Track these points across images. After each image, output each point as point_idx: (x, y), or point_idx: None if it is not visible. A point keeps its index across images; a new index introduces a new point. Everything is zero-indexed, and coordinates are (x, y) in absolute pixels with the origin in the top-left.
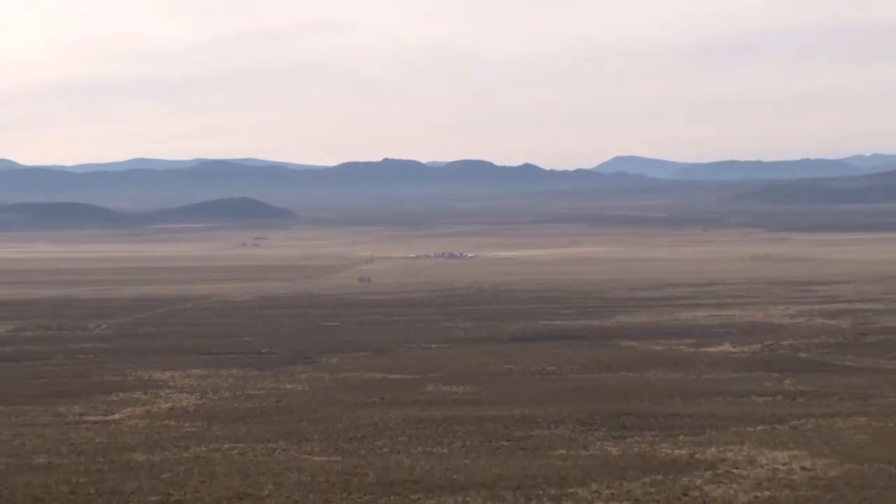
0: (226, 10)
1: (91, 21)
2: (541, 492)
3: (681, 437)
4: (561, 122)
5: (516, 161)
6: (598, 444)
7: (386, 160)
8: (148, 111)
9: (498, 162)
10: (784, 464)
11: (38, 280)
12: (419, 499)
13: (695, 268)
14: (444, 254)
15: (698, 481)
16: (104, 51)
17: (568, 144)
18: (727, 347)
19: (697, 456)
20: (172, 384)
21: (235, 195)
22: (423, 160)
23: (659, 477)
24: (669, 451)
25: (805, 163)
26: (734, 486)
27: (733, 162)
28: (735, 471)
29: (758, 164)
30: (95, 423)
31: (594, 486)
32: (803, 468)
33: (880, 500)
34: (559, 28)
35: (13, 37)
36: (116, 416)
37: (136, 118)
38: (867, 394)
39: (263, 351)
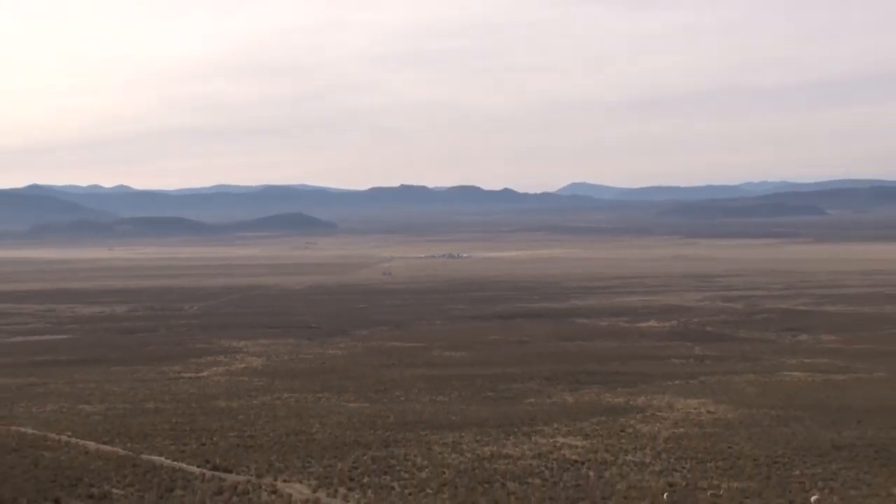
0: (284, 76)
1: (186, 84)
2: (516, 429)
3: (619, 389)
4: (531, 157)
5: (498, 186)
6: (559, 394)
7: (402, 185)
8: (227, 149)
9: (485, 187)
10: (694, 409)
11: (147, 274)
12: (427, 434)
13: (629, 265)
14: (445, 255)
15: (632, 421)
16: (197, 105)
17: (536, 173)
18: (653, 323)
19: (631, 402)
20: (246, 350)
21: (291, 211)
22: (430, 185)
23: (603, 418)
24: (611, 399)
25: (710, 187)
26: (658, 424)
27: (658, 187)
28: (659, 413)
29: (675, 189)
30: (189, 378)
31: (556, 425)
32: (708, 412)
33: (765, 435)
34: (530, 87)
35: (131, 95)
36: (205, 374)
37: (218, 155)
38: (755, 357)
39: (312, 326)
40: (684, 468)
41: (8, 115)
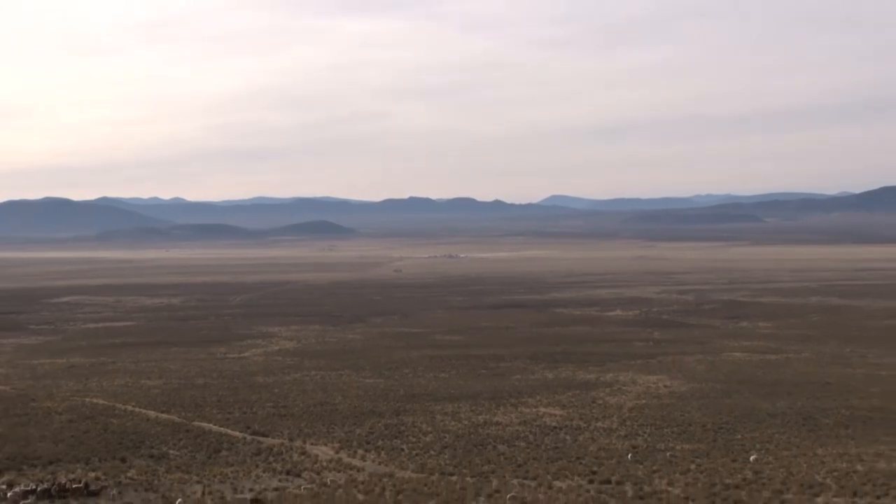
0: (311, 106)
1: (231, 113)
2: (505, 401)
3: (591, 367)
4: (517, 173)
5: (490, 198)
6: (540, 371)
7: (410, 197)
8: (265, 167)
9: (479, 198)
10: (653, 383)
11: (198, 272)
12: (431, 404)
13: (599, 264)
14: (445, 255)
15: (601, 394)
16: (240, 131)
17: (522, 186)
18: (619, 312)
19: (601, 378)
20: (280, 335)
21: (318, 219)
22: (433, 197)
23: (578, 391)
24: (584, 376)
25: (666, 199)
26: (623, 396)
27: (623, 198)
28: (624, 387)
29: (637, 200)
30: (233, 358)
31: (538, 397)
32: (665, 386)
33: (712, 405)
34: (517, 116)
35: (186, 122)
36: (246, 354)
37: (257, 172)
38: (703, 341)
39: (335, 314)
40: (645, 433)
41: (85, 140)
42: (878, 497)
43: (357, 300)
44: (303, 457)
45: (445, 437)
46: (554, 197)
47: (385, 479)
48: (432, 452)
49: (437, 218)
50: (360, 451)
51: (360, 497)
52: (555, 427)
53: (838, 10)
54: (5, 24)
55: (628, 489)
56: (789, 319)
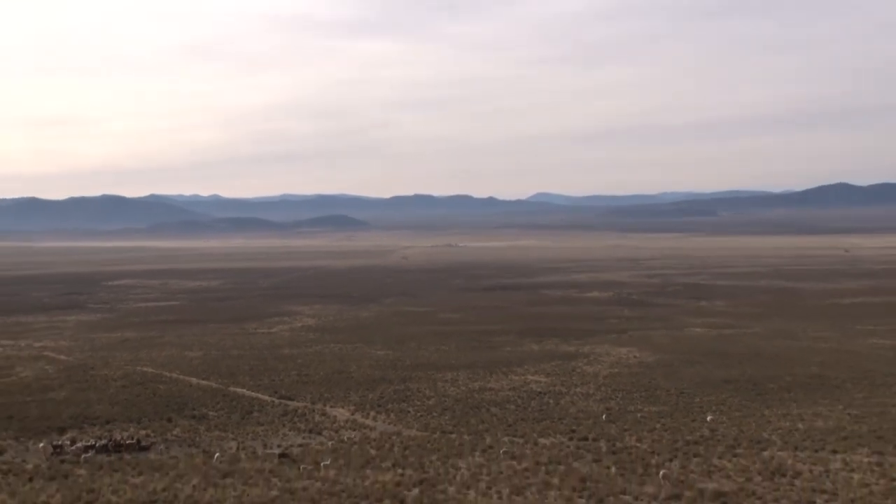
0: (329, 117)
1: (261, 122)
2: (497, 370)
3: (571, 340)
4: (509, 173)
5: (485, 194)
6: (528, 345)
7: (415, 194)
8: (288, 168)
9: (476, 195)
10: (625, 355)
11: (233, 258)
12: (433, 372)
13: (579, 252)
14: (446, 245)
15: (580, 364)
16: (268, 137)
17: (513, 184)
18: (596, 293)
19: (580, 350)
20: (303, 313)
21: (336, 213)
22: (435, 194)
23: (560, 361)
24: (565, 348)
25: (636, 196)
26: (599, 366)
27: (600, 195)
28: (600, 358)
29: (613, 197)
30: (263, 333)
31: (525, 366)
32: (635, 357)
33: (675, 373)
34: (508, 124)
35: (222, 130)
36: (274, 330)
37: (282, 173)
38: (668, 318)
39: (352, 295)
40: (618, 397)
41: (137, 147)
42: (816, 451)
43: (371, 283)
44: (323, 417)
45: (446, 401)
46: (540, 194)
47: (394, 437)
48: (434, 414)
49: (439, 213)
50: (373, 413)
51: (373, 452)
52: (540, 392)
53: (795, 33)
54: (71, 46)
55: (603, 445)
56: (742, 299)
